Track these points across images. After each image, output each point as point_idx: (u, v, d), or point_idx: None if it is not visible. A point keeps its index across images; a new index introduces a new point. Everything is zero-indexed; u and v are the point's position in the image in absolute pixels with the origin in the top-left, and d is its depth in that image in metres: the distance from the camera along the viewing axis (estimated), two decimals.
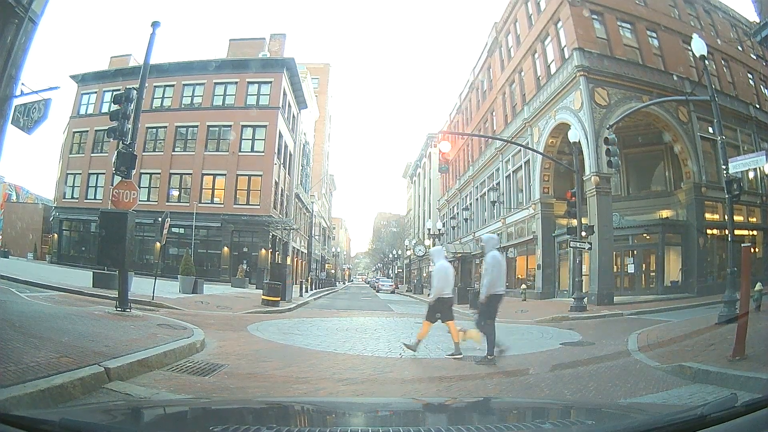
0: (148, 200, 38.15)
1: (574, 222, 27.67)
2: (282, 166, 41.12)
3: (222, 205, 37.03)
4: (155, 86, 40.03)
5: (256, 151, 38.01)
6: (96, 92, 42.55)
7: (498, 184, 34.65)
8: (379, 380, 6.99)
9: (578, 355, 9.60)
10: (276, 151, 38.29)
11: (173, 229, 38.29)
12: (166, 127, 40.02)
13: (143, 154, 39.11)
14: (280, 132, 39.39)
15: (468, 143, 45.33)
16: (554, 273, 27.50)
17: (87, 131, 42.14)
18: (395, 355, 9.05)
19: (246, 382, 6.45)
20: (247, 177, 37.41)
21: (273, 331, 11.53)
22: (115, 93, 13.52)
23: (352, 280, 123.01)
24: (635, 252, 26.34)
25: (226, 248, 36.19)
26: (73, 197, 42.18)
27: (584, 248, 19.81)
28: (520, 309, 20.34)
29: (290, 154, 44.47)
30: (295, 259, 48.04)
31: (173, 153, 39.57)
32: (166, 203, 37.64)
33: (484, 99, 41.33)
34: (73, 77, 43.46)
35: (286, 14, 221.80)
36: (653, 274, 25.79)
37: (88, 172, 41.38)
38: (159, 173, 39.38)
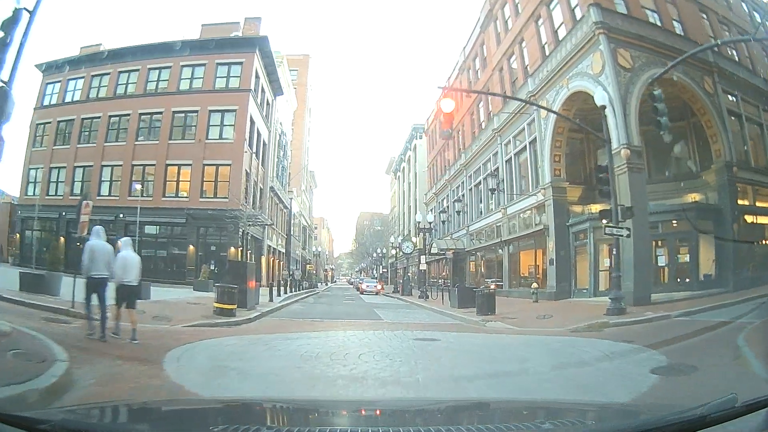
0: (110, 195, 34.76)
1: (592, 208, 24.31)
2: (255, 155, 36.96)
3: (187, 199, 32.82)
4: (119, 72, 37.10)
5: (225, 139, 33.88)
6: (60, 81, 38.92)
7: (497, 170, 30.78)
8: None
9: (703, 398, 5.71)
10: (247, 138, 34.13)
11: (131, 226, 34.66)
12: (129, 115, 35.92)
13: (105, 144, 35.58)
14: (251, 117, 35.24)
15: (459, 129, 41.46)
16: (570, 269, 23.65)
17: (50, 122, 38.47)
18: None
19: None
20: (214, 167, 33.26)
21: (201, 361, 7.68)
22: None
23: (335, 281, 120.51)
24: (665, 241, 22.62)
25: (191, 247, 31.97)
26: (35, 194, 37.72)
27: (622, 235, 15.93)
28: (542, 314, 16.48)
29: (264, 144, 40.26)
30: (271, 259, 43.81)
31: (136, 143, 35.39)
32: (128, 197, 33.96)
33: (477, 79, 37.51)
34: (37, 66, 39.40)
35: (263, 4, 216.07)
36: (687, 266, 22.06)
37: (50, 166, 37.42)
38: (121, 165, 35.20)
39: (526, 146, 27.36)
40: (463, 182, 38.33)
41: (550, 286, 23.74)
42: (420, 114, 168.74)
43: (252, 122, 35.75)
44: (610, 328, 13.14)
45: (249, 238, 35.12)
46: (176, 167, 34.22)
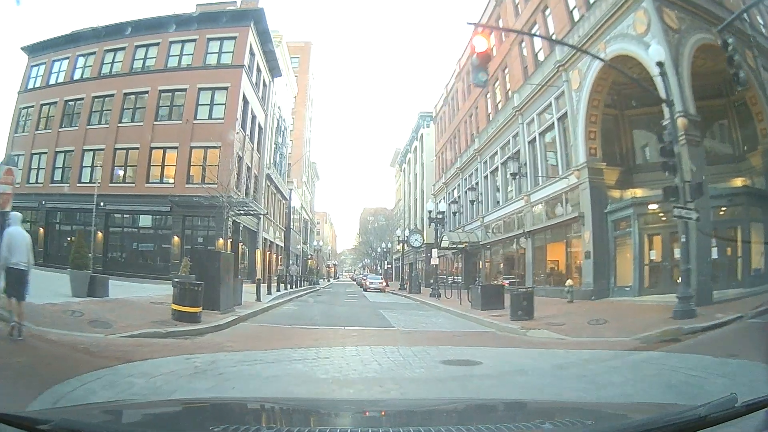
0: (91, 182, 31.22)
1: (636, 192, 20.93)
2: (249, 139, 33.67)
3: (172, 185, 29.54)
4: (105, 50, 34.03)
5: (215, 119, 30.57)
6: (45, 63, 36.03)
7: (518, 152, 27.37)
8: None
9: None
10: (239, 118, 30.82)
11: (115, 216, 31.69)
12: (113, 95, 32.71)
13: (87, 128, 32.58)
14: (244, 96, 31.93)
15: (471, 112, 38.09)
16: (608, 263, 20.29)
17: (33, 106, 35.43)
18: None
19: None
20: (202, 149, 30.02)
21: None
22: None
23: (338, 277, 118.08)
24: (716, 231, 19.29)
25: (176, 238, 28.67)
26: (15, 183, 34.70)
27: (691, 218, 12.61)
28: (593, 318, 13.04)
29: (260, 127, 36.92)
30: (267, 253, 40.45)
31: (119, 124, 32.19)
32: (110, 184, 30.97)
33: (493, 55, 34.12)
34: (24, 49, 36.69)
35: None
36: (735, 260, 18.70)
37: (32, 152, 34.33)
38: (103, 149, 32.02)
39: (553, 123, 23.98)
40: (476, 170, 34.93)
41: (586, 283, 20.39)
42: (426, 102, 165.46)
43: (245, 102, 32.47)
44: (692, 337, 9.94)
45: (241, 228, 31.81)
46: (161, 150, 31.03)
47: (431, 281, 45.52)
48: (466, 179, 37.90)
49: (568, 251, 22.96)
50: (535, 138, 25.83)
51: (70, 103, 34.20)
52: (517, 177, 26.65)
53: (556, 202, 23.51)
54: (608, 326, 12.14)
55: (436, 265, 28.09)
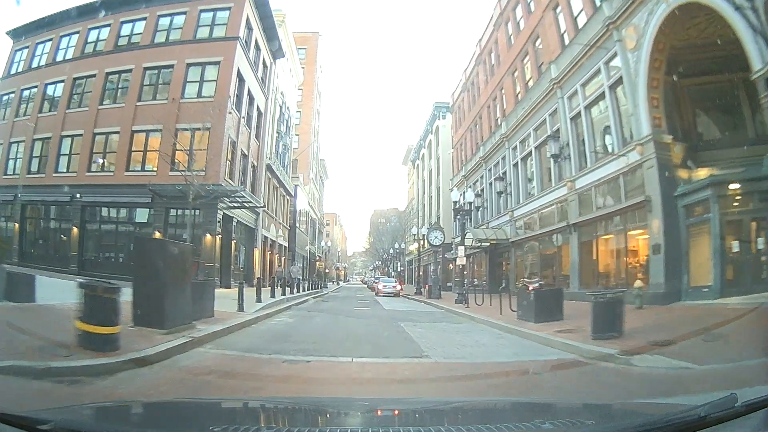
0: (68, 171, 28.55)
1: (701, 174, 16.86)
2: (245, 124, 29.88)
3: (154, 173, 25.75)
4: (89, 28, 30.87)
5: (205, 97, 26.79)
6: (28, 46, 33.15)
7: (557, 131, 23.32)
8: None
9: None
10: (233, 96, 27.02)
11: (93, 209, 28.07)
12: (95, 75, 29.31)
13: (66, 112, 29.26)
14: (240, 73, 28.12)
15: (496, 94, 34.07)
16: (681, 259, 16.20)
17: (14, 92, 32.46)
18: None
19: None
20: (190, 132, 26.21)
21: None
22: None
23: (348, 280, 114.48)
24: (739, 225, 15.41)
25: (157, 233, 24.77)
26: None
27: None
28: (704, 333, 8.95)
29: (259, 111, 33.05)
30: (268, 253, 36.56)
31: (100, 107, 28.68)
32: (87, 173, 27.74)
33: (518, 32, 30.15)
34: (8, 33, 33.87)
35: None
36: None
37: (9, 140, 31.19)
38: (81, 134, 28.51)
39: (603, 93, 19.95)
40: (504, 157, 30.87)
41: (655, 284, 16.31)
42: (441, 95, 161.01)
43: (241, 80, 28.70)
44: None
45: (234, 224, 27.89)
46: (144, 134, 27.30)
47: (449, 284, 41.57)
48: (490, 170, 33.84)
49: (627, 246, 18.84)
50: (579, 113, 21.81)
51: (50, 86, 31.25)
52: (559, 159, 22.57)
53: (611, 186, 19.41)
54: (734, 347, 8.12)
55: (462, 265, 23.78)
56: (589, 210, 20.68)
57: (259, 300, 15.84)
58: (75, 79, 29.94)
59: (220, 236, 24.23)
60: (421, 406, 3.30)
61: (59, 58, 31.41)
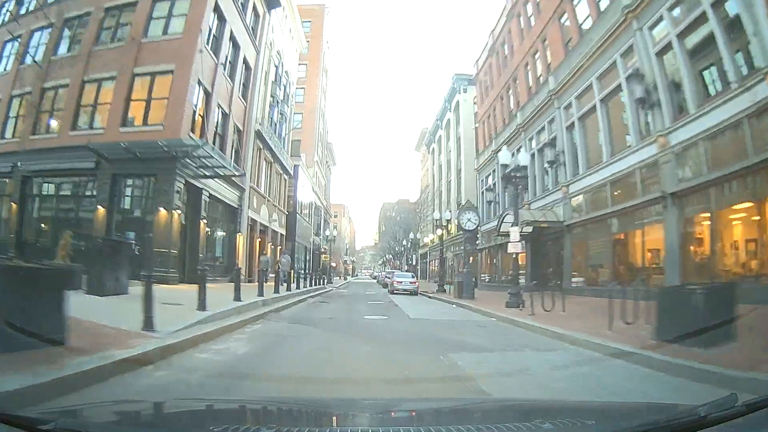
0: (13, 137, 23.07)
1: None
2: (227, 76, 23.74)
3: (102, 132, 19.68)
4: None
5: (171, 34, 20.73)
6: None
7: (638, 71, 16.92)
8: None
9: None
10: (205, 32, 20.89)
11: (37, 180, 22.16)
12: (51, 27, 23.28)
13: (18, 68, 23.59)
14: (218, 7, 21.98)
15: (537, 47, 27.75)
16: None
17: None
18: None
19: None
20: (149, 77, 20.15)
21: None
22: None
23: (357, 275, 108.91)
24: None
25: (100, 209, 18.64)
26: None
27: None
28: None
29: (246, 65, 26.80)
30: (258, 240, 30.36)
31: (53, 57, 22.88)
32: (31, 137, 22.03)
33: None
34: None
35: None
36: None
37: None
38: (30, 92, 22.81)
39: (705, 12, 13.56)
40: (552, 120, 24.44)
41: None
42: (461, 67, 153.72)
43: (221, 18, 22.58)
44: None
45: (207, 199, 21.56)
46: (95, 84, 21.24)
47: (484, 279, 35.31)
48: (531, 138, 27.49)
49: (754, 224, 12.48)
50: (669, 43, 15.45)
51: (8, 45, 24.96)
52: (645, 106, 16.19)
53: (731, 137, 12.99)
54: None
55: (515, 255, 16.77)
56: (698, 173, 14.22)
57: (239, 299, 9.65)
58: (32, 30, 24.09)
59: (179, 211, 17.97)
60: (421, 407, 3.18)
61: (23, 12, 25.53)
